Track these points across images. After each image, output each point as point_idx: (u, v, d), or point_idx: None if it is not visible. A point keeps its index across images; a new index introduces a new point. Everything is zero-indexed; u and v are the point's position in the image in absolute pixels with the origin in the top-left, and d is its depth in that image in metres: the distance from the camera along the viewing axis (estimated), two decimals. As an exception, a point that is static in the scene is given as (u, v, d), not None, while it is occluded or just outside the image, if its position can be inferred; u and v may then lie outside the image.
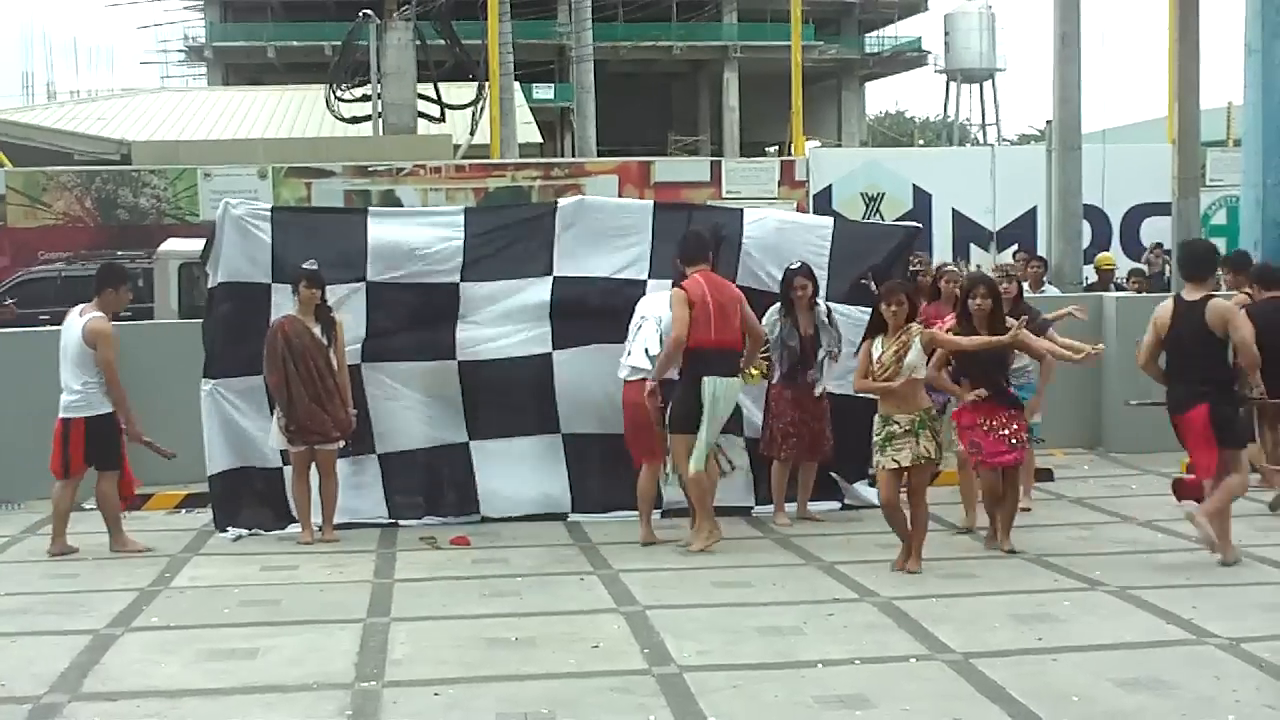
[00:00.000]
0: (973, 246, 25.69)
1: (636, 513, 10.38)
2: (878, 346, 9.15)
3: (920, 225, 13.72)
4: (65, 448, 10.27)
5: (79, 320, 10.29)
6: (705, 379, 9.80)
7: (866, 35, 71.62)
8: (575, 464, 11.27)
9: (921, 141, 77.05)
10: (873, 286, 10.76)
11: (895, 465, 9.05)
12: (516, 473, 11.21)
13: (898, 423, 9.06)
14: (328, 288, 10.65)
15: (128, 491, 10.54)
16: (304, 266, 10.52)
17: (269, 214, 11.40)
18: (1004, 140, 75.78)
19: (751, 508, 11.22)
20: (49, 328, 12.06)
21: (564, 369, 11.20)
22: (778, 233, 11.49)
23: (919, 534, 9.18)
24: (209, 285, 11.31)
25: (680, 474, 10.07)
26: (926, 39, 74.36)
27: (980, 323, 9.57)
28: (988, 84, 77.28)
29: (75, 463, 10.29)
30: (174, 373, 11.84)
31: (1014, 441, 9.61)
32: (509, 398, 11.21)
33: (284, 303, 10.72)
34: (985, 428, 9.57)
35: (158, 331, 13.80)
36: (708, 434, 9.88)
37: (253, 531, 10.84)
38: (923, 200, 25.70)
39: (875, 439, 9.16)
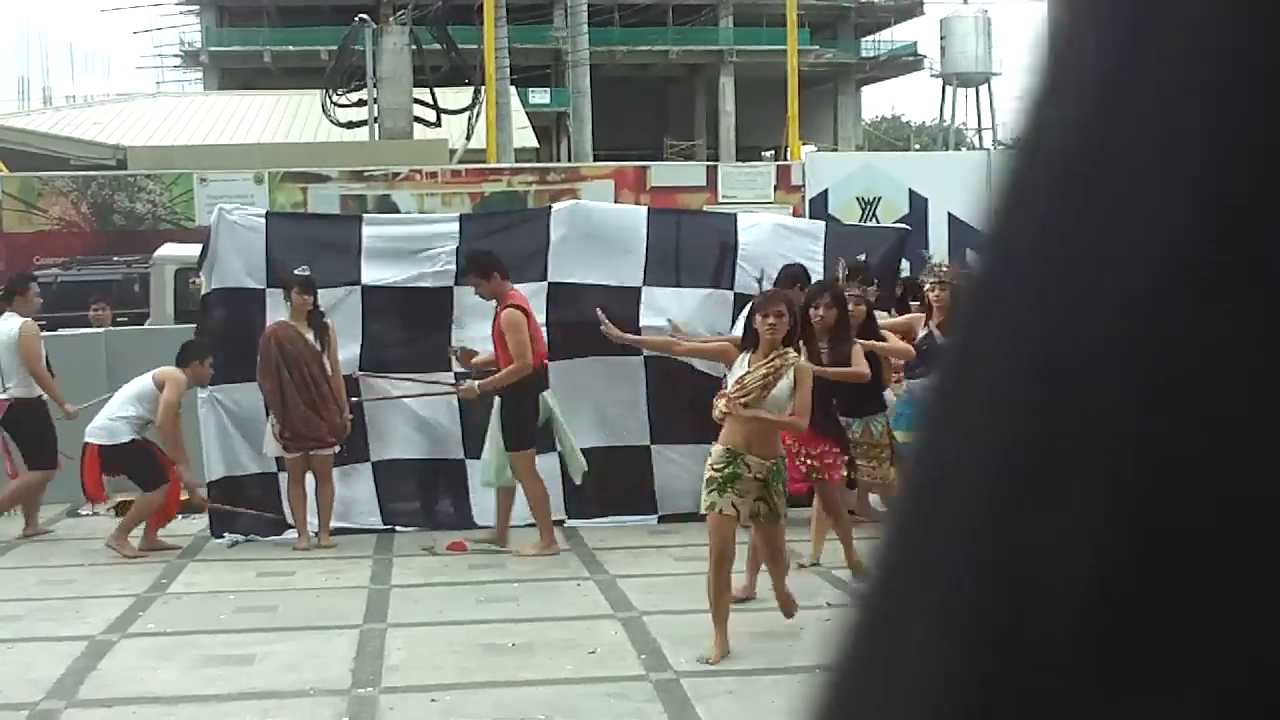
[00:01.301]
0: (969, 251, 25.72)
1: (633, 519, 10.42)
2: (742, 364, 7.40)
3: (910, 227, 13.71)
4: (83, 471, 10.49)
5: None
6: (544, 395, 10.06)
7: (863, 39, 71.66)
8: (572, 479, 11.22)
9: (918, 146, 77.06)
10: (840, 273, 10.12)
11: (733, 512, 7.30)
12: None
13: (748, 465, 7.28)
14: (322, 291, 10.66)
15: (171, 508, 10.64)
16: (296, 273, 10.54)
17: (264, 220, 11.41)
18: (1000, 145, 75.80)
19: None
20: (43, 333, 12.03)
21: (561, 381, 11.19)
22: (772, 237, 11.51)
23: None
24: (204, 291, 11.32)
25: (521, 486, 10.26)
26: (922, 43, 74.41)
27: (822, 336, 8.62)
28: (984, 88, 77.32)
29: (90, 486, 10.56)
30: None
31: (813, 474, 8.70)
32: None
33: (279, 308, 10.73)
34: (794, 449, 8.41)
35: (153, 337, 13.77)
36: (570, 441, 10.17)
37: (249, 537, 10.84)
38: (919, 204, 25.67)
39: (714, 472, 7.35)
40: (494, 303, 11.03)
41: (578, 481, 10.43)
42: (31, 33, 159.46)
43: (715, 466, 7.32)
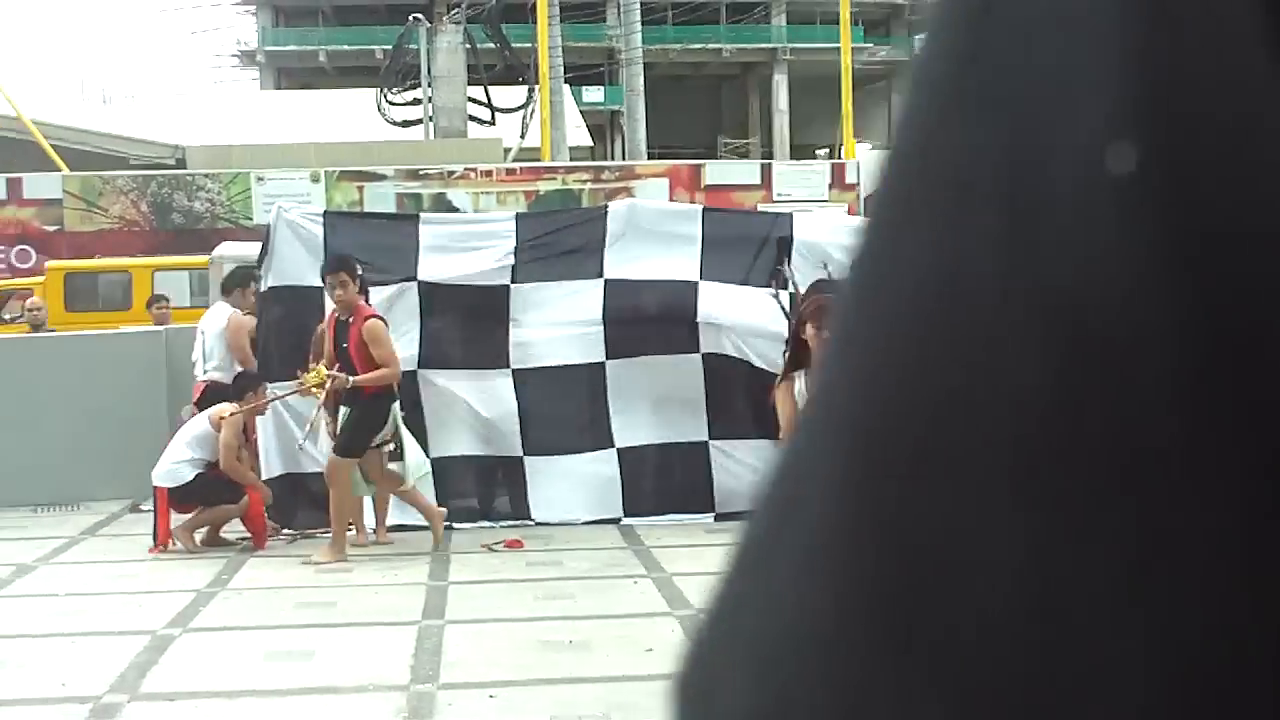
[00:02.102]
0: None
1: (690, 516, 10.46)
2: (803, 387, 6.44)
3: None
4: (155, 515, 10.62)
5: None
6: (393, 405, 10.09)
7: (916, 36, 71.33)
8: (630, 476, 11.27)
9: (972, 143, 76.52)
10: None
11: None
12: (570, 485, 11.22)
13: None
14: (379, 288, 10.71)
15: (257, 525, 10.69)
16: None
17: (321, 218, 11.50)
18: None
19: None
20: (100, 331, 12.22)
21: (617, 378, 11.23)
22: (827, 235, 11.48)
23: None
24: (261, 289, 11.41)
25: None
26: (978, 40, 74.04)
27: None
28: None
29: (162, 532, 10.57)
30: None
31: None
32: (563, 410, 11.24)
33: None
34: None
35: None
36: (415, 452, 10.21)
37: (307, 534, 10.92)
38: (975, 201, 25.57)
39: None
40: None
41: (408, 485, 10.28)
42: (92, 33, 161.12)
43: None
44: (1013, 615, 0.37)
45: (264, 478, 11.03)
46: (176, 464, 10.38)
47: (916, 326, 0.40)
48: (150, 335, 13.55)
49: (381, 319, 10.07)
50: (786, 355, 7.02)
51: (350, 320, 9.89)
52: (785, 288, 10.79)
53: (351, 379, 9.77)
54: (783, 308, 10.74)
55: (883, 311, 0.42)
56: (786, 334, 10.72)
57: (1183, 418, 0.35)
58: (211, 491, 10.36)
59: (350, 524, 10.68)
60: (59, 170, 27.62)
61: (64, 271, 20.52)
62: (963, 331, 0.39)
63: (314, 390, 9.83)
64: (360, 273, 10.54)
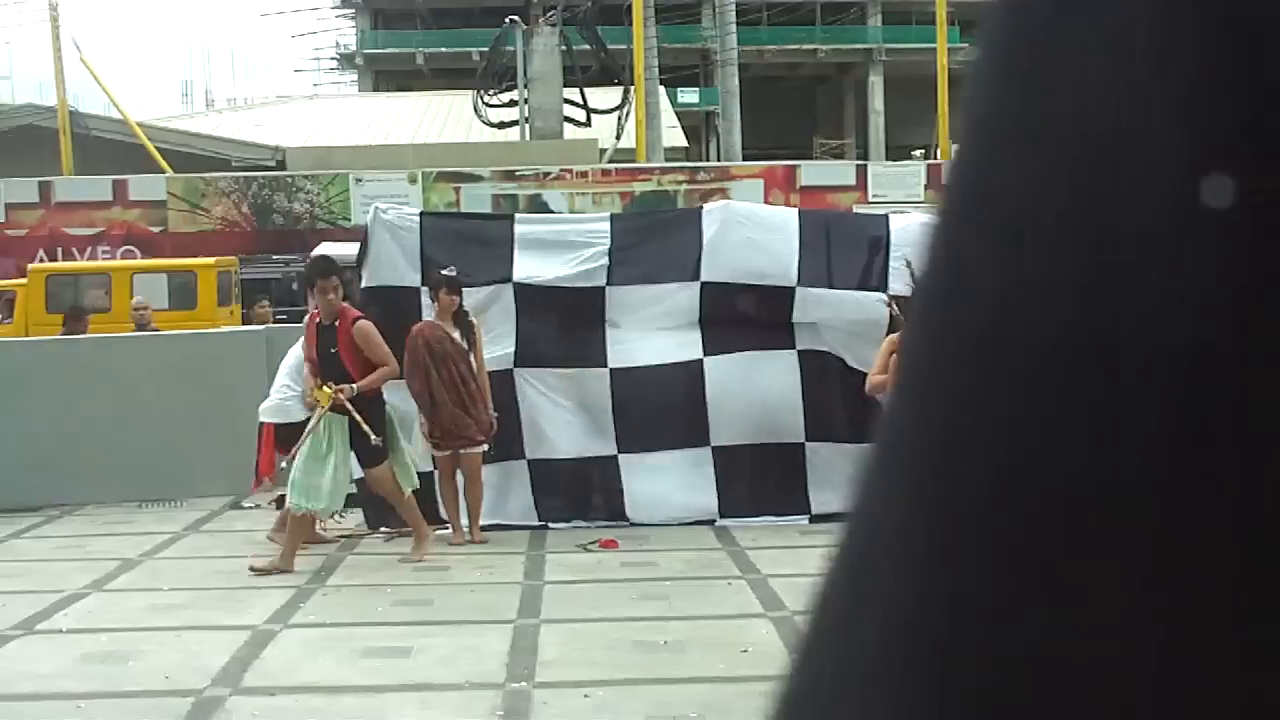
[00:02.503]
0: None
1: (786, 518, 10.44)
2: None
3: None
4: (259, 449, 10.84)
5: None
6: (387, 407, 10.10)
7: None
8: (725, 476, 11.25)
9: (1071, 143, 75.59)
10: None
11: None
12: (665, 485, 11.21)
13: None
14: (475, 289, 10.78)
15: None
16: (442, 273, 10.65)
17: (418, 219, 11.59)
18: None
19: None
20: (202, 330, 12.40)
21: (715, 376, 11.22)
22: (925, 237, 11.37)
23: None
24: (360, 288, 11.50)
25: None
26: (1077, 39, 73.20)
27: None
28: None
29: (263, 464, 10.78)
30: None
31: None
32: (659, 408, 11.24)
33: (433, 306, 10.86)
34: None
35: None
36: (405, 456, 10.23)
37: (403, 532, 11.00)
38: (1073, 203, 25.27)
39: None
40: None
41: (407, 493, 10.21)
42: (195, 38, 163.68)
43: None
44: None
45: (355, 477, 11.12)
46: (285, 400, 10.52)
47: (985, 378, 0.38)
48: (251, 334, 13.74)
49: (366, 319, 10.05)
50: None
51: (335, 324, 9.84)
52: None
53: (355, 386, 9.71)
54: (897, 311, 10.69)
55: (950, 357, 0.40)
56: (884, 337, 10.68)
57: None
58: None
59: (445, 522, 10.76)
60: (163, 172, 28.08)
61: (45, 274, 20.96)
62: (1037, 389, 0.37)
63: (324, 408, 9.70)
64: (455, 273, 10.62)
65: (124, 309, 19.44)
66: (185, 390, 12.31)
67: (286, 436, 10.49)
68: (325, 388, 9.63)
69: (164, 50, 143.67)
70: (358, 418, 9.73)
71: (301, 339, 10.37)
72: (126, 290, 20.12)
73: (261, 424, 10.77)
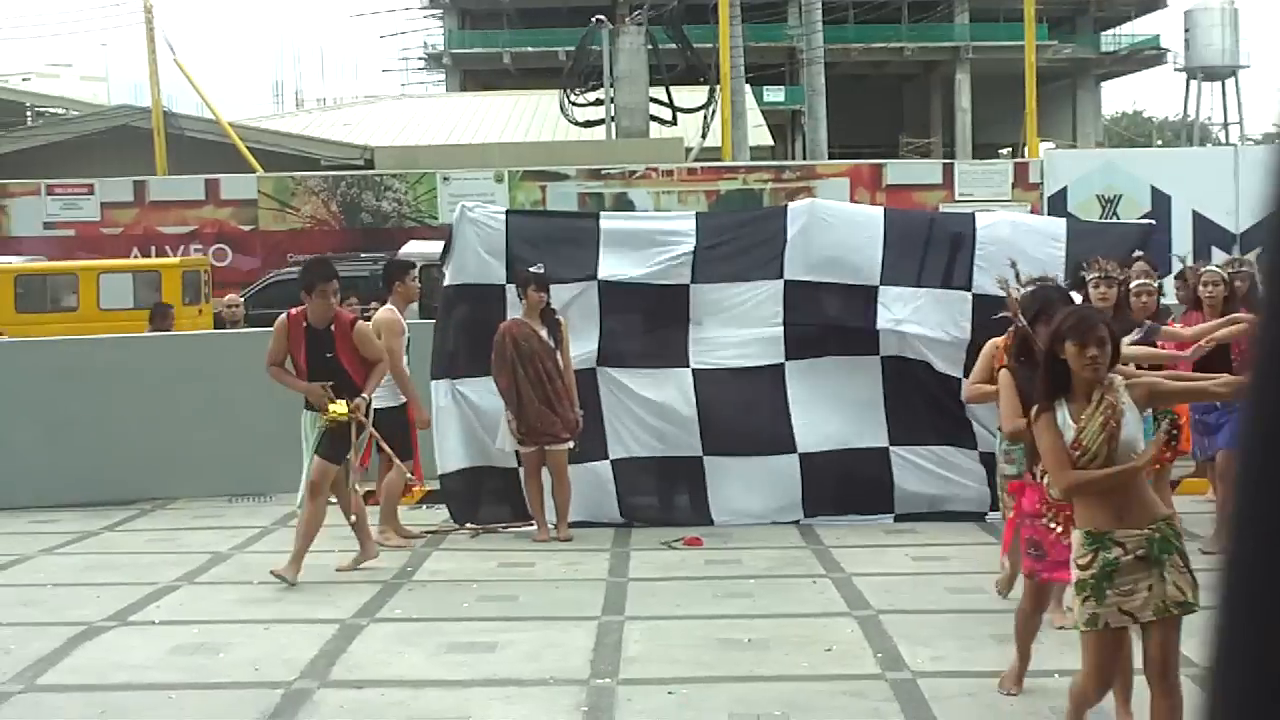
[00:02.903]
0: (1214, 250, 24.90)
1: (871, 517, 10.42)
2: (1064, 422, 5.35)
3: (1155, 221, 13.32)
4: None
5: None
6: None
7: (1102, 33, 69.90)
8: (811, 480, 11.18)
9: (1160, 142, 74.88)
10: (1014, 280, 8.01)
11: (1124, 621, 5.33)
12: (750, 487, 11.17)
13: (1121, 544, 5.26)
14: (560, 286, 10.82)
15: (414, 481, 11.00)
16: (530, 270, 10.69)
17: (504, 217, 11.65)
18: (1247, 140, 73.22)
19: (985, 514, 11.03)
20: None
21: (797, 380, 11.19)
22: (1011, 236, 11.24)
23: None
24: (445, 285, 11.56)
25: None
26: (1165, 36, 72.30)
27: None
28: (1230, 81, 74.71)
29: (364, 454, 10.78)
30: (418, 372, 12.08)
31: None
32: (742, 411, 11.21)
33: (518, 304, 10.90)
34: (1056, 523, 6.36)
35: (400, 332, 14.23)
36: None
37: (489, 528, 11.07)
38: (1161, 202, 24.95)
39: (1081, 570, 5.36)
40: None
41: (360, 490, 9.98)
42: (286, 39, 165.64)
43: (1080, 563, 5.35)
44: None
45: (442, 472, 11.20)
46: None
47: None
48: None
49: (358, 319, 9.92)
50: (1038, 381, 5.58)
51: (330, 328, 9.54)
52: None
53: (365, 397, 9.48)
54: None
55: None
56: (968, 337, 10.58)
57: None
58: (399, 431, 10.47)
59: (530, 519, 10.80)
60: (254, 172, 28.43)
61: (14, 274, 21.31)
62: None
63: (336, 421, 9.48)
64: (543, 270, 10.66)
65: (91, 308, 20.00)
66: (274, 386, 12.40)
67: (387, 422, 10.60)
68: (338, 404, 9.35)
69: (255, 51, 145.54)
70: (376, 436, 9.82)
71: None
72: (93, 289, 20.65)
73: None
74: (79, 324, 18.06)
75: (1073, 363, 5.29)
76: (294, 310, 9.74)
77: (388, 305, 10.78)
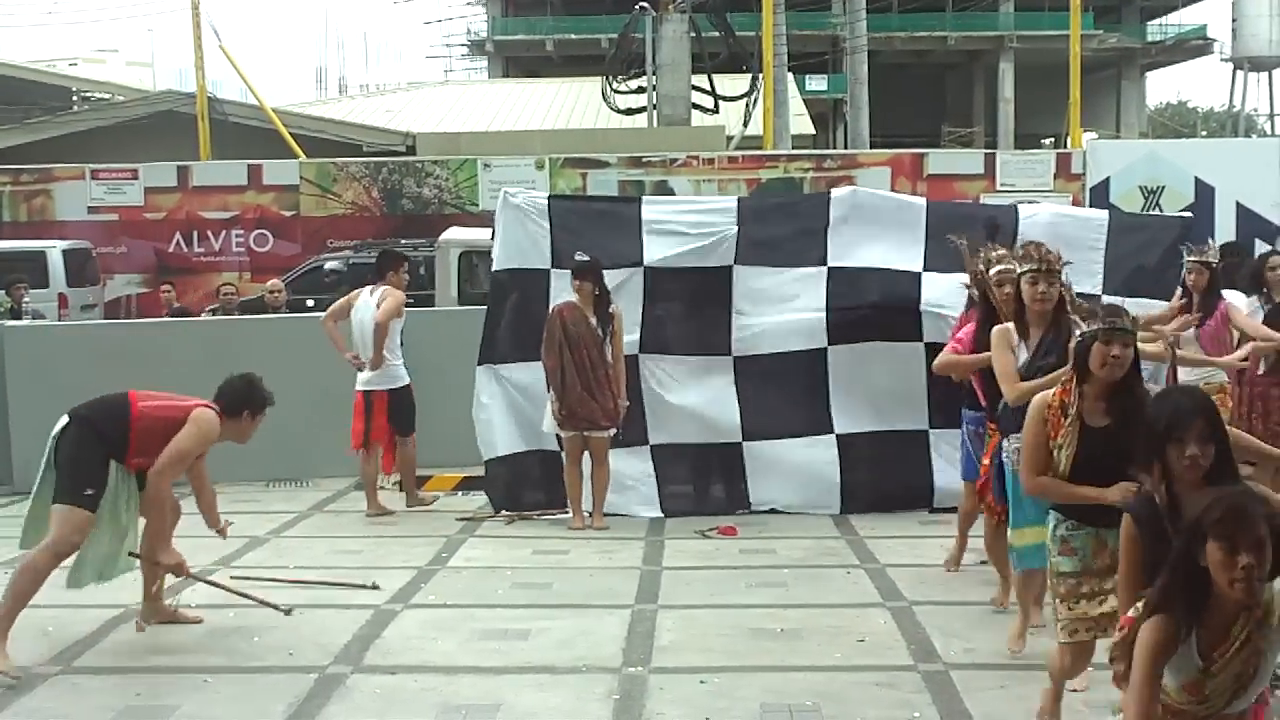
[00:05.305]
0: (1258, 242, 24.64)
1: (907, 511, 10.43)
2: (1194, 652, 3.90)
3: (1193, 216, 13.20)
4: (368, 419, 11.26)
5: (371, 299, 11.30)
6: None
7: (1148, 23, 69.35)
8: (848, 464, 11.16)
9: (1204, 133, 74.23)
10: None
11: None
12: (787, 472, 11.16)
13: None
14: (605, 272, 10.79)
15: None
16: (576, 257, 10.70)
17: (546, 202, 11.65)
18: (1295, 131, 72.43)
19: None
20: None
21: (839, 366, 11.15)
22: (1053, 227, 11.17)
23: None
24: (492, 271, 11.60)
25: None
26: (1212, 26, 71.63)
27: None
28: (1277, 72, 73.93)
29: (376, 432, 11.31)
30: (454, 358, 12.13)
31: None
32: (783, 396, 11.18)
33: (563, 288, 10.88)
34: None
35: (439, 318, 14.25)
36: None
37: (524, 515, 11.08)
38: (1205, 194, 24.70)
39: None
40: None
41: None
42: (329, 25, 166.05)
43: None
44: None
45: (486, 458, 11.23)
46: (391, 365, 11.40)
47: None
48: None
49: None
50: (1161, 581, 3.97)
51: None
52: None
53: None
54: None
55: None
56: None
57: None
58: (406, 408, 11.53)
59: (566, 508, 10.82)
60: (297, 157, 28.49)
61: None
62: None
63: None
64: (586, 258, 10.66)
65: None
66: (312, 372, 12.47)
67: (396, 404, 11.32)
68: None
69: (299, 38, 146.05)
70: None
71: (357, 304, 11.45)
72: None
73: (371, 394, 11.33)
74: None
75: (1217, 574, 3.78)
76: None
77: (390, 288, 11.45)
